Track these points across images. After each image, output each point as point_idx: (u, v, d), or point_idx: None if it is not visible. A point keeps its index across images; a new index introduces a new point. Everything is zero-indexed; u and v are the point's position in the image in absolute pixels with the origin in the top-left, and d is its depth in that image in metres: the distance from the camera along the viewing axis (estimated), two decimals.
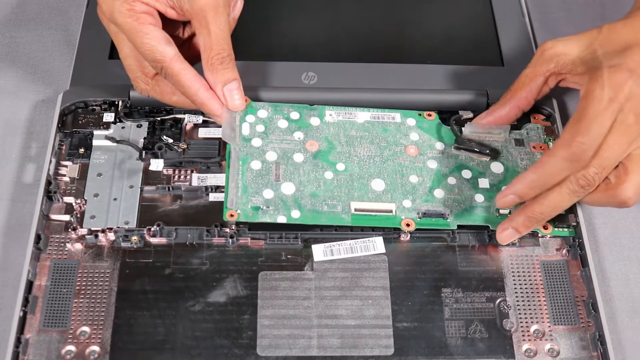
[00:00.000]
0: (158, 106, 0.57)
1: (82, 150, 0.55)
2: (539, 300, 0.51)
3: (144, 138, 0.56)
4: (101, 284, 0.50)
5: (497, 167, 0.54)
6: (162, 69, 0.51)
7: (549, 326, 0.50)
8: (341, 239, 0.52)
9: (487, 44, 0.63)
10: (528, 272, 0.52)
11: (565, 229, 0.53)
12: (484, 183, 0.53)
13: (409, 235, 0.52)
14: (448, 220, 0.52)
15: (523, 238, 0.53)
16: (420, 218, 0.51)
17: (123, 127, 0.56)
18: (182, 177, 0.55)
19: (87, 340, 0.48)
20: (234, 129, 0.53)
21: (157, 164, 0.54)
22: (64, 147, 0.56)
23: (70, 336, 0.48)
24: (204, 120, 0.57)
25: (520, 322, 0.50)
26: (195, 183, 0.54)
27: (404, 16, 0.66)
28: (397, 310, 0.50)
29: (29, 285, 0.49)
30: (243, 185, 0.51)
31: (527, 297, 0.51)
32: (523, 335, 0.49)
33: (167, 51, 0.50)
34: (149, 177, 0.54)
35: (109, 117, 0.56)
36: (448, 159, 0.54)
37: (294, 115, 0.55)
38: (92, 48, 0.60)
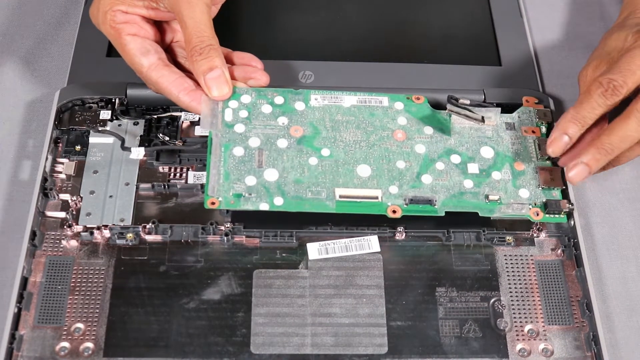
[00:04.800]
0: (155, 104, 0.57)
1: (78, 147, 0.55)
2: (534, 300, 0.50)
3: (140, 135, 0.56)
4: (96, 281, 0.50)
5: (486, 152, 0.53)
6: (142, 77, 0.52)
7: (543, 326, 0.50)
8: (336, 237, 0.52)
9: (484, 43, 0.63)
10: (523, 271, 0.52)
11: (557, 216, 0.52)
12: (473, 168, 0.52)
13: (404, 234, 0.52)
14: (436, 206, 0.51)
15: (518, 238, 0.53)
16: (407, 205, 0.51)
17: (120, 125, 0.56)
18: (177, 174, 0.55)
19: (81, 337, 0.48)
20: (215, 115, 0.52)
21: (137, 152, 0.54)
22: (60, 145, 0.56)
23: (64, 333, 0.48)
24: (200, 118, 0.57)
25: (515, 322, 0.50)
26: (191, 181, 0.54)
27: (401, 16, 0.66)
28: (391, 309, 0.50)
29: (24, 281, 0.49)
30: (225, 172, 0.50)
31: (522, 296, 0.51)
32: (517, 335, 0.49)
33: (143, 62, 0.51)
34: (145, 175, 0.54)
35: (105, 114, 0.57)
36: (437, 144, 0.53)
37: (278, 100, 0.54)
38: (90, 46, 0.60)
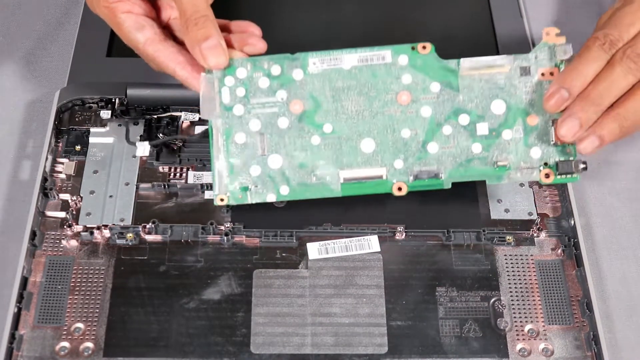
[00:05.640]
0: (155, 104, 0.57)
1: (78, 147, 0.55)
2: (534, 300, 0.50)
3: (140, 136, 0.56)
4: (96, 280, 0.50)
5: (498, 107, 0.49)
6: (139, 53, 0.51)
7: (544, 326, 0.50)
8: (336, 237, 0.52)
9: (484, 43, 0.63)
10: (523, 271, 0.52)
11: (570, 176, 0.49)
12: (482, 129, 0.49)
13: (404, 234, 0.52)
14: (442, 179, 0.50)
15: (518, 238, 0.53)
16: (412, 180, 0.49)
17: (119, 125, 0.56)
18: (177, 174, 0.55)
19: (81, 337, 0.48)
20: (213, 99, 0.50)
21: (142, 148, 0.54)
22: (60, 144, 0.56)
23: (64, 332, 0.48)
24: (200, 118, 0.57)
25: (515, 322, 0.50)
26: (190, 181, 0.54)
27: (401, 14, 0.65)
28: (391, 308, 0.50)
29: (24, 281, 0.49)
30: (230, 166, 0.50)
31: (522, 296, 0.51)
32: (517, 335, 0.49)
33: (139, 38, 0.51)
34: (145, 175, 0.54)
35: (105, 114, 0.57)
36: (444, 104, 0.50)
37: (275, 70, 0.50)
38: (90, 46, 0.60)
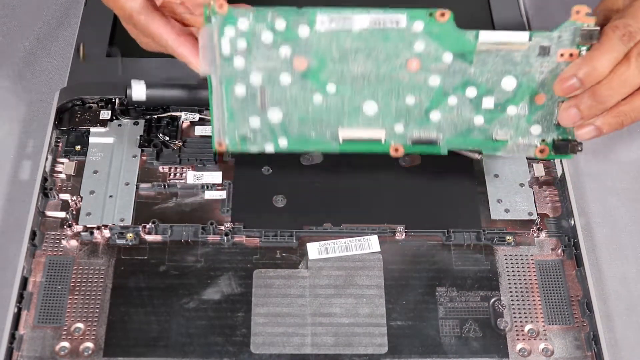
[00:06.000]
0: (155, 104, 0.57)
1: (78, 147, 0.55)
2: (534, 300, 0.50)
3: (140, 136, 0.56)
4: (96, 280, 0.50)
5: (508, 83, 0.48)
6: (133, 22, 0.50)
7: (544, 326, 0.50)
8: (336, 237, 0.52)
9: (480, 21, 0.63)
10: (523, 271, 0.52)
11: (564, 154, 0.49)
12: (488, 103, 0.48)
13: (404, 234, 0.52)
14: (439, 145, 0.49)
15: (518, 237, 0.53)
16: (410, 144, 0.49)
17: (120, 125, 0.57)
18: (177, 174, 0.55)
19: (81, 337, 0.48)
20: (212, 49, 0.47)
21: (138, 88, 0.52)
22: (60, 144, 0.56)
23: (64, 333, 0.48)
24: (200, 118, 0.57)
25: (515, 322, 0.50)
26: (190, 181, 0.54)
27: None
28: (391, 308, 0.50)
29: (24, 281, 0.49)
30: (229, 112, 0.48)
31: (522, 296, 0.51)
32: (517, 335, 0.49)
33: (133, 5, 0.49)
34: (145, 175, 0.54)
35: (105, 114, 0.57)
36: (454, 75, 0.48)
37: (280, 24, 0.46)
38: (90, 46, 0.60)
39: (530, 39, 0.47)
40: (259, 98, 0.48)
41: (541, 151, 0.49)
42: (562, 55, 0.47)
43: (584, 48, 0.47)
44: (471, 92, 0.48)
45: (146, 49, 0.52)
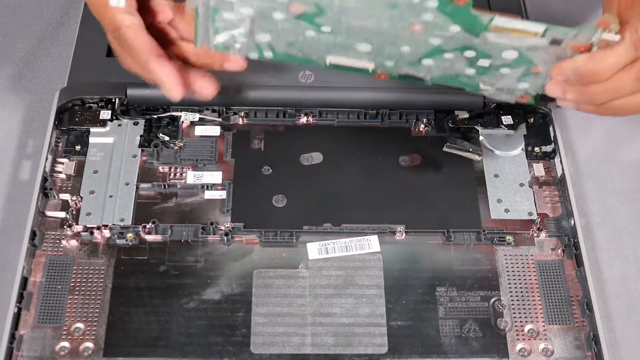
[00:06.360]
0: (155, 104, 0.57)
1: (78, 147, 0.55)
2: (534, 300, 0.50)
3: (140, 136, 0.56)
4: (96, 280, 0.50)
5: (509, 54, 0.46)
6: (119, 36, 0.49)
7: (544, 326, 0.50)
8: (336, 237, 0.52)
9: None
10: (523, 271, 0.52)
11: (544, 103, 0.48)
12: (484, 62, 0.46)
13: (404, 234, 0.52)
14: (426, 80, 0.48)
15: (518, 237, 0.52)
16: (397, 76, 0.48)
17: (120, 125, 0.56)
18: (177, 174, 0.55)
19: (81, 337, 0.48)
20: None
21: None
22: (60, 144, 0.56)
23: (64, 333, 0.48)
24: (200, 118, 0.57)
25: (515, 322, 0.50)
26: (190, 181, 0.54)
27: None
28: (391, 308, 0.50)
29: (24, 281, 0.49)
30: (214, 27, 0.45)
31: (522, 296, 0.51)
32: (517, 335, 0.49)
33: (125, 19, 0.49)
34: (145, 175, 0.54)
35: (105, 114, 0.57)
36: (456, 40, 0.45)
37: None
38: (90, 46, 0.60)
39: (544, 35, 0.44)
40: (247, 26, 0.46)
41: (523, 97, 0.48)
42: (573, 46, 0.45)
43: (595, 47, 0.45)
44: (470, 54, 0.46)
45: (127, 69, 0.51)
